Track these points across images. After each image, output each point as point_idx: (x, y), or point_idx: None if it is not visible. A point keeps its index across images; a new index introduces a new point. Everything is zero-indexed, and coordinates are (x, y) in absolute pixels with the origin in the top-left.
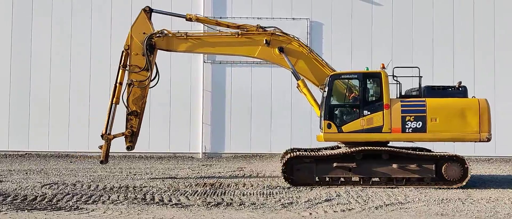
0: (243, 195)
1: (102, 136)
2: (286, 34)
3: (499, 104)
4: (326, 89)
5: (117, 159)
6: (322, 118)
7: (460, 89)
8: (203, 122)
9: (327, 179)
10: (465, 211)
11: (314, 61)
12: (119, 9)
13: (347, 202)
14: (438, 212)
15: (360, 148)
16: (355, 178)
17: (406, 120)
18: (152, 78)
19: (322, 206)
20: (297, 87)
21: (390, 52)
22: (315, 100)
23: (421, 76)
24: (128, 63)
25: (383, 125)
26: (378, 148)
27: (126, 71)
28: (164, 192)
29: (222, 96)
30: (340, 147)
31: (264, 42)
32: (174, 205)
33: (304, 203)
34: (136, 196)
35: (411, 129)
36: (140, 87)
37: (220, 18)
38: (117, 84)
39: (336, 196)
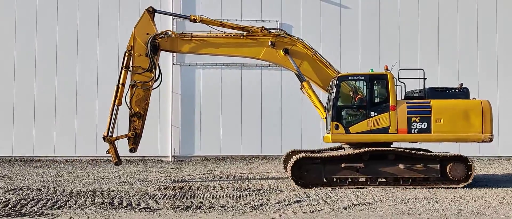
0: (213, 198)
1: (104, 138)
2: (291, 35)
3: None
4: (334, 91)
5: (84, 163)
6: (330, 119)
7: (462, 90)
8: (172, 124)
9: (335, 180)
10: (430, 210)
11: (319, 62)
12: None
13: (316, 203)
14: (404, 211)
15: (364, 149)
16: (362, 179)
17: (412, 121)
18: (155, 79)
19: (291, 208)
20: (301, 89)
21: (359, 54)
22: (320, 102)
23: (426, 78)
24: (131, 64)
25: (390, 126)
26: (381, 149)
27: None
28: (132, 196)
29: (191, 98)
30: (342, 148)
31: (269, 43)
32: (142, 209)
33: (274, 205)
34: (103, 200)
35: (417, 130)
36: (144, 88)
37: None
38: (120, 85)
39: (306, 197)
